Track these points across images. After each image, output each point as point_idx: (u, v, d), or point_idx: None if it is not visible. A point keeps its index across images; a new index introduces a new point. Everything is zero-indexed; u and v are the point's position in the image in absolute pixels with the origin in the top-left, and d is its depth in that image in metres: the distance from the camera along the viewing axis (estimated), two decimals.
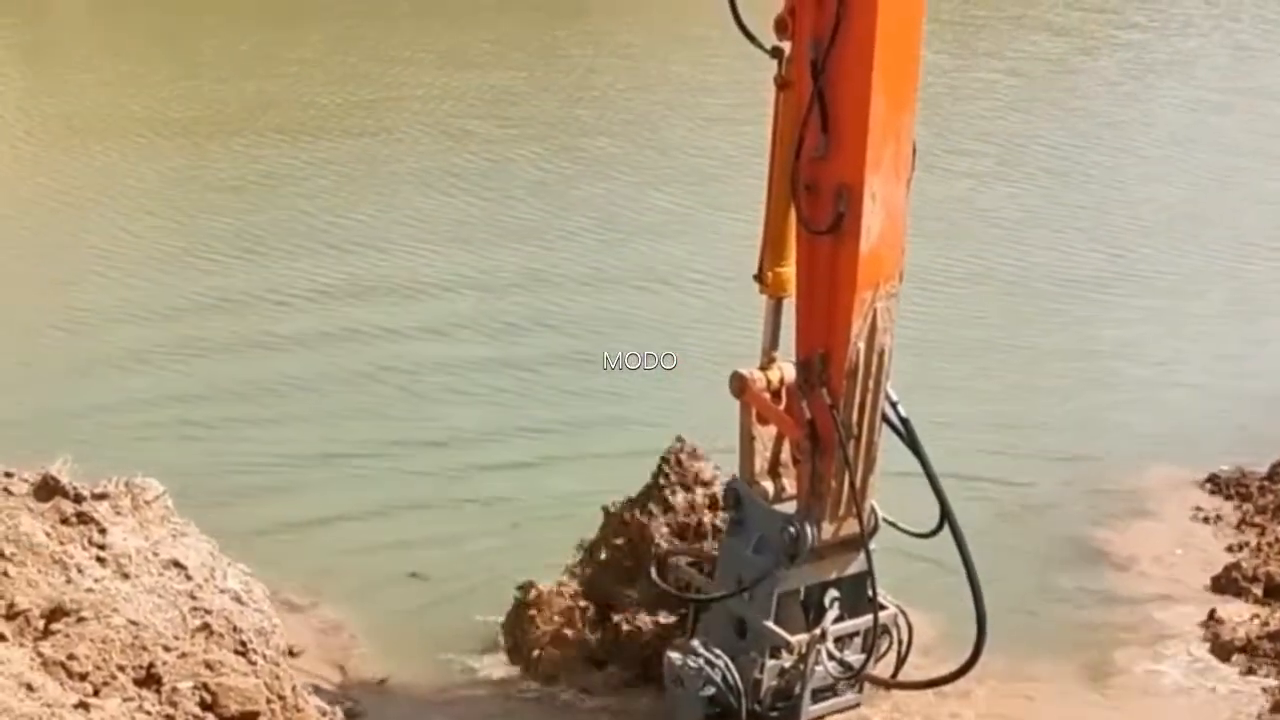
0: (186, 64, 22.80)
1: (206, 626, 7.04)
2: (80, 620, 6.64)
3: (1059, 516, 10.47)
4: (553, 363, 12.55)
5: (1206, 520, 10.44)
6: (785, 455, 7.62)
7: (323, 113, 20.04)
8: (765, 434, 7.64)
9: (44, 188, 16.79)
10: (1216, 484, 10.88)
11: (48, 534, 7.28)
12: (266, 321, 13.30)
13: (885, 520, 7.54)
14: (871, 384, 7.21)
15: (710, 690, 7.37)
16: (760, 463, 7.63)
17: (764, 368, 7.59)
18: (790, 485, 7.59)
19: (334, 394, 12.04)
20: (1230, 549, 9.98)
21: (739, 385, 7.56)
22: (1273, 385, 12.54)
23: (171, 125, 19.32)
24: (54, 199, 16.46)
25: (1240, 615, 9.07)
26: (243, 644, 7.05)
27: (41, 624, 6.66)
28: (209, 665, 6.63)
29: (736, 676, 7.39)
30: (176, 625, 6.96)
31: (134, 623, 6.76)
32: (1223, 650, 8.79)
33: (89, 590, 6.95)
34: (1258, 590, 9.39)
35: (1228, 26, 26.66)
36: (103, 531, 7.40)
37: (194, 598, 7.29)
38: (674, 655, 7.50)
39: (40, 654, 6.44)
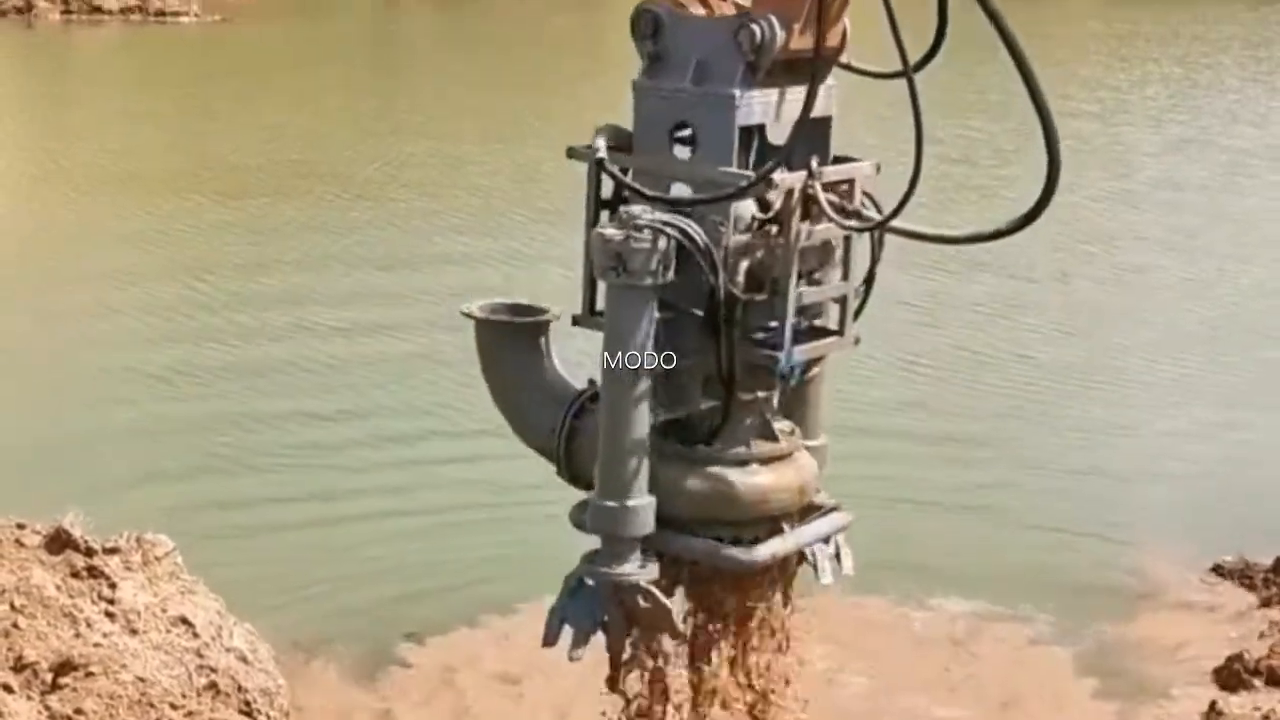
0: (141, 120, 23.39)
1: (213, 685, 7.09)
2: (88, 675, 6.70)
3: (1058, 605, 10.48)
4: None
5: (1209, 610, 10.45)
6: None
7: (253, 175, 20.56)
8: None
9: None
10: (1220, 574, 10.89)
11: (58, 587, 7.35)
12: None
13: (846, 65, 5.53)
14: None
15: (666, 275, 5.11)
16: None
17: None
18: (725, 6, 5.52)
19: None
20: (1233, 640, 9.98)
21: None
22: (1268, 475, 12.59)
23: (94, 179, 19.83)
24: None
25: (1242, 707, 9.05)
26: (247, 704, 7.10)
27: (50, 677, 6.72)
28: None
29: (705, 236, 5.15)
30: (183, 683, 7.02)
31: (141, 679, 6.82)
32: None
33: (97, 645, 7.01)
34: (1260, 683, 9.39)
35: (1179, 120, 26.87)
36: (113, 586, 7.47)
37: (201, 655, 7.34)
38: (609, 232, 5.15)
39: (48, 707, 6.49)
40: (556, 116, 24.99)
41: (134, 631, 7.28)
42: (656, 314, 5.16)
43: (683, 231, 5.10)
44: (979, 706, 9.14)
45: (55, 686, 6.66)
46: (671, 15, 5.34)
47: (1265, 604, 10.42)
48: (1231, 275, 18.42)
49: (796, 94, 5.26)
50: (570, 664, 8.12)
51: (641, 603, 5.30)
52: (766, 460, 5.43)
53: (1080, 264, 18.44)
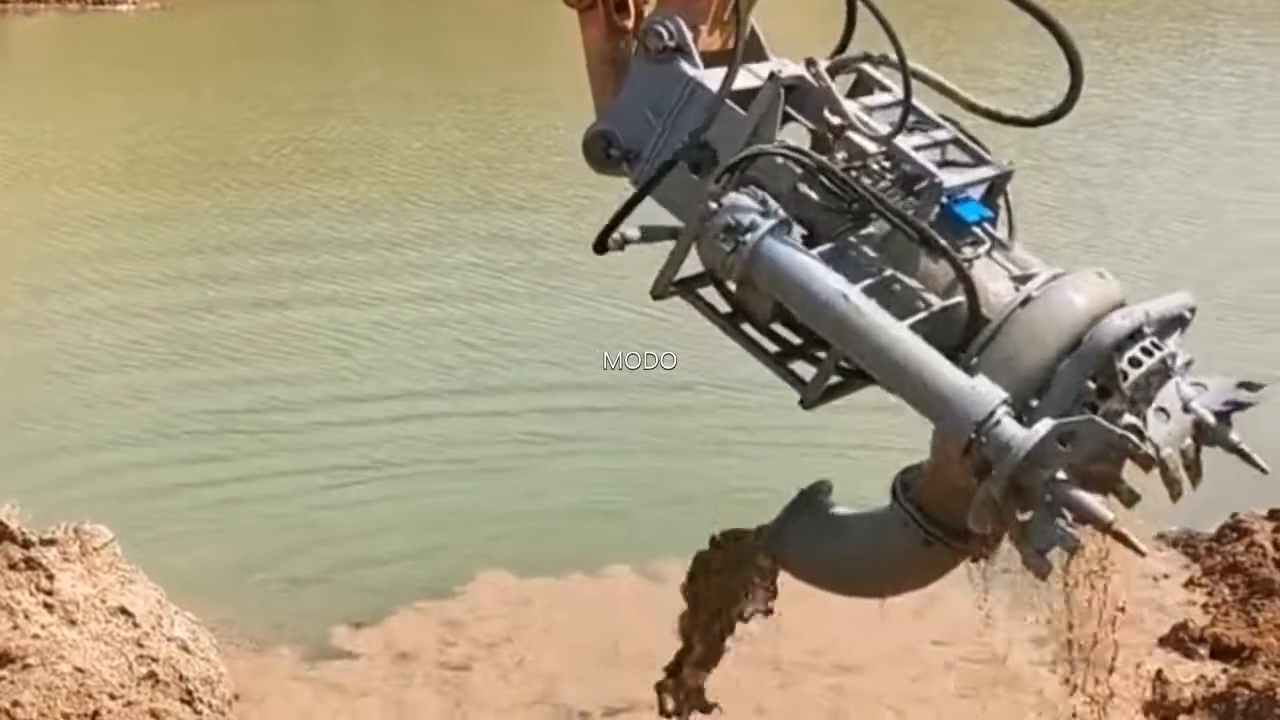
0: (58, 112, 23.32)
1: (153, 675, 7.03)
2: (25, 667, 6.63)
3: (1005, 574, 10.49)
4: None
5: (1154, 580, 10.50)
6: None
7: (162, 166, 20.43)
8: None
9: None
10: (1164, 543, 10.93)
11: None
12: None
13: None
14: None
15: (778, 208, 4.73)
16: None
17: None
18: None
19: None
20: (1177, 609, 10.04)
21: None
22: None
23: None
24: None
25: (1187, 676, 9.11)
26: (189, 693, 7.05)
27: None
28: (154, 714, 6.64)
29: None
30: (123, 673, 6.96)
31: (80, 670, 6.76)
32: (1168, 711, 8.82)
33: (35, 637, 6.94)
34: (1204, 651, 9.45)
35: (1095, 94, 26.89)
36: (50, 578, 7.39)
37: (141, 645, 7.28)
38: (706, 224, 4.76)
39: None
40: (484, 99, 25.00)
41: (73, 623, 7.21)
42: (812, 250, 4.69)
43: (753, 153, 4.79)
44: (922, 669, 9.18)
45: None
46: (608, 118, 5.18)
47: (1208, 573, 10.48)
48: (1152, 254, 18.37)
49: (758, 67, 5.08)
50: (516, 649, 8.15)
51: (1068, 449, 4.60)
52: (1044, 286, 4.90)
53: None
